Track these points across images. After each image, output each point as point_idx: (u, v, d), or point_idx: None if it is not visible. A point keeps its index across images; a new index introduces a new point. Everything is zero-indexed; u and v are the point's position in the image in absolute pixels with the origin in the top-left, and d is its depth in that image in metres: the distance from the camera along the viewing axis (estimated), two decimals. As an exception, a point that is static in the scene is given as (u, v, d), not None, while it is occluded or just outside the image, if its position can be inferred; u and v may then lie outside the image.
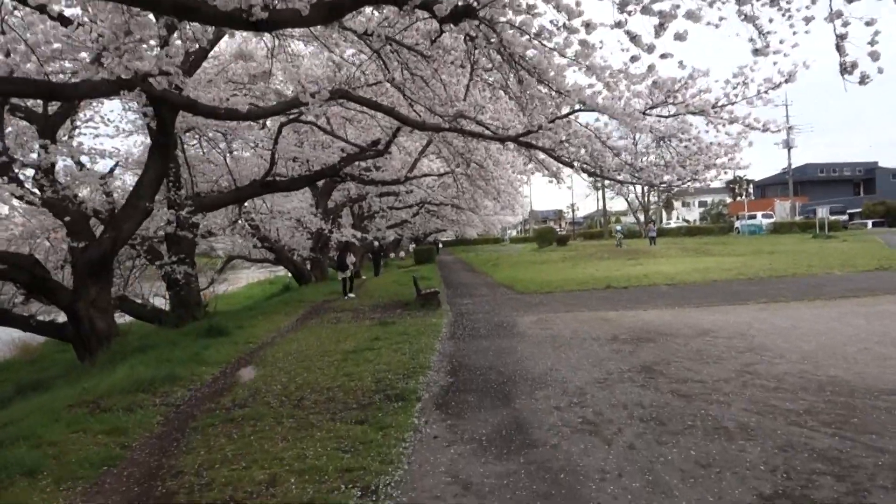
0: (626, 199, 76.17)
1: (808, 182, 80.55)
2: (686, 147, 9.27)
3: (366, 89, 11.98)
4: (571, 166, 10.10)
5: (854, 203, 71.26)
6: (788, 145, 70.39)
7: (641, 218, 75.41)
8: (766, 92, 8.96)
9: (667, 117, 9.19)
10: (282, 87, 19.17)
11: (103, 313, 15.60)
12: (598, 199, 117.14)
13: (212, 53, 19.63)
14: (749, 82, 8.93)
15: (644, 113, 8.61)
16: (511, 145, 12.17)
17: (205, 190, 21.19)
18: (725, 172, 10.00)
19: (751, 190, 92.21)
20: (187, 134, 20.66)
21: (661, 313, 14.48)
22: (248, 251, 35.25)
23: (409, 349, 11.31)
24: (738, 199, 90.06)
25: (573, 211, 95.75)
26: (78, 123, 18.51)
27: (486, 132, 10.60)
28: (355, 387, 8.79)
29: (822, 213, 47.48)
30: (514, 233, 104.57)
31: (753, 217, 62.71)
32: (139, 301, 22.04)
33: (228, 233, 21.90)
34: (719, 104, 9.19)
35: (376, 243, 35.07)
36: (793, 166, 72.67)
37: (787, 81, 8.77)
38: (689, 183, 9.91)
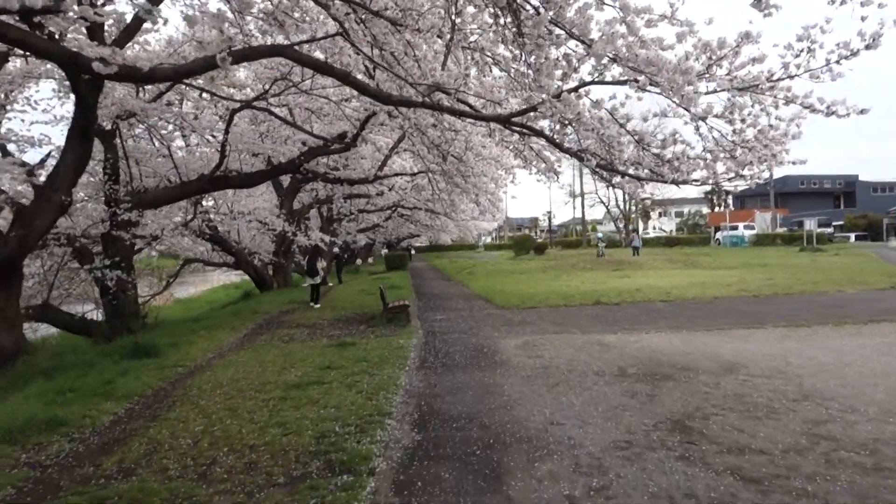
0: (607, 207, 74.35)
1: (788, 194, 79.40)
2: (735, 132, 7.12)
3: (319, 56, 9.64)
4: (579, 158, 7.89)
5: (835, 216, 70.23)
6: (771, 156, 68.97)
7: (623, 227, 73.77)
8: (837, 62, 6.84)
9: (707, 94, 7.01)
10: (241, 77, 16.87)
11: (9, 326, 13.15)
12: (574, 208, 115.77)
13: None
14: (817, 48, 6.79)
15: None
16: (497, 134, 9.96)
17: (153, 186, 18.70)
18: (771, 169, 7.85)
19: (730, 201, 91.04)
20: (134, 125, 18.15)
21: (667, 338, 12.34)
22: (207, 254, 32.81)
23: (367, 385, 8.99)
24: (717, 209, 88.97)
25: (549, 219, 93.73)
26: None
27: (470, 111, 8.35)
28: (288, 446, 6.47)
29: (810, 225, 45.91)
30: (488, 240, 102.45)
31: (735, 228, 61.17)
32: (93, 308, 19.56)
33: (169, 233, 19.27)
34: (774, 78, 7.03)
35: (336, 248, 32.62)
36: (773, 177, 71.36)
37: (868, 48, 6.67)
38: (727, 182, 7.78)
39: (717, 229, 69.60)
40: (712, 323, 13.95)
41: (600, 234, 63.45)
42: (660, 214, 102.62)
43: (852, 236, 61.18)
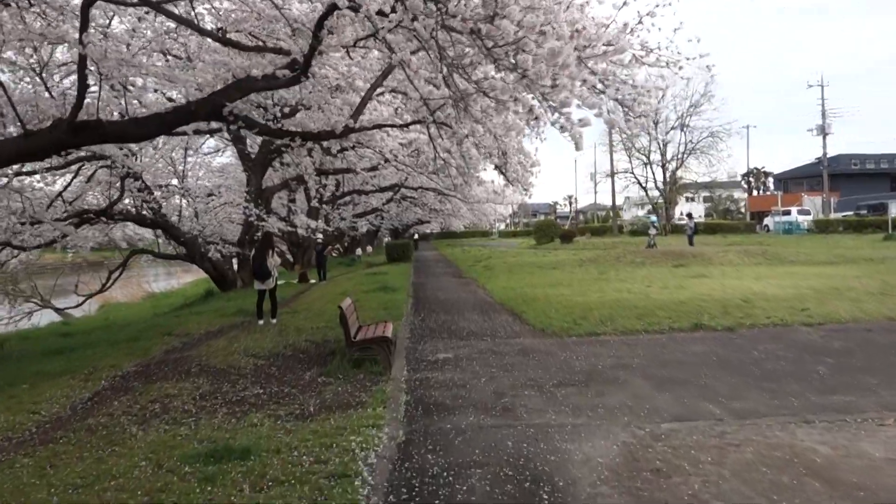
0: (644, 188, 66.63)
1: (839, 175, 71.23)
2: None
3: None
4: None
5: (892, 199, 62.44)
6: (824, 132, 61.63)
7: (661, 211, 66.16)
8: None
9: None
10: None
11: None
12: (595, 193, 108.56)
13: None
14: None
15: None
16: None
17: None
18: None
19: (769, 183, 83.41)
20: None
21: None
22: (156, 244, 26.38)
23: None
24: (756, 192, 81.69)
25: (571, 203, 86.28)
26: None
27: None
28: None
29: (896, 209, 38.57)
30: (502, 226, 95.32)
31: (787, 213, 53.63)
32: None
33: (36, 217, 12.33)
34: None
35: (319, 237, 25.81)
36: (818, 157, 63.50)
37: None
38: None
39: (761, 214, 62.23)
40: None
41: (654, 219, 55.42)
42: (687, 199, 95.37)
43: (915, 221, 53.68)
